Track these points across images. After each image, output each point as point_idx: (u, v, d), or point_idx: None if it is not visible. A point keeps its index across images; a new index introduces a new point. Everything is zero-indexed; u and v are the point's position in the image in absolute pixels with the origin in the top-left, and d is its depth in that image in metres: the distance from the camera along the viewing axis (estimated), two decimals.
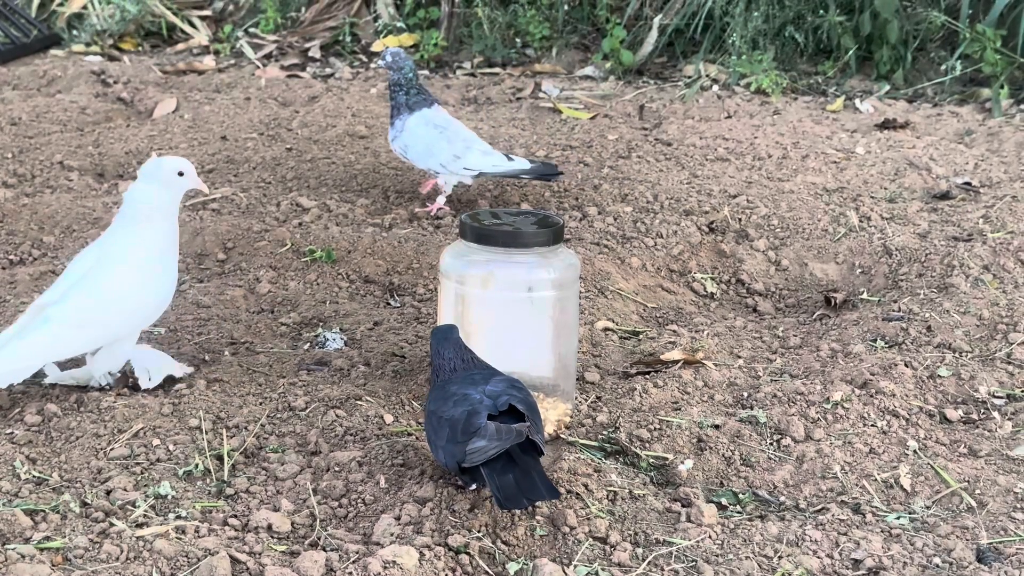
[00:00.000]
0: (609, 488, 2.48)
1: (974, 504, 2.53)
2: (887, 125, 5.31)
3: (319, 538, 2.30)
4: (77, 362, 2.85)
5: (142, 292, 2.80)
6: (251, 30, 7.08)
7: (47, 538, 2.22)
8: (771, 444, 2.71)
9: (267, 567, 2.17)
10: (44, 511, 2.30)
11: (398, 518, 2.32)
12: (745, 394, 2.93)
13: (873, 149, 4.94)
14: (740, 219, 4.05)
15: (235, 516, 2.36)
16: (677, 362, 3.04)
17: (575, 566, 2.26)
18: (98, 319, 2.75)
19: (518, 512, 2.36)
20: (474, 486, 2.38)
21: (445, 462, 2.37)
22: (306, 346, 3.15)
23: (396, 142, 4.09)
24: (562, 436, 2.71)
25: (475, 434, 2.31)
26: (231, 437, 2.61)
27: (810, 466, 2.64)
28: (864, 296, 3.65)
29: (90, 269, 2.78)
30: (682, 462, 2.63)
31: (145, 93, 5.68)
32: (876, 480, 2.60)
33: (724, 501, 2.53)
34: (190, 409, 2.70)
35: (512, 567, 2.24)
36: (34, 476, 2.43)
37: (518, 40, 6.77)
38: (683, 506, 2.47)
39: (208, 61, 6.53)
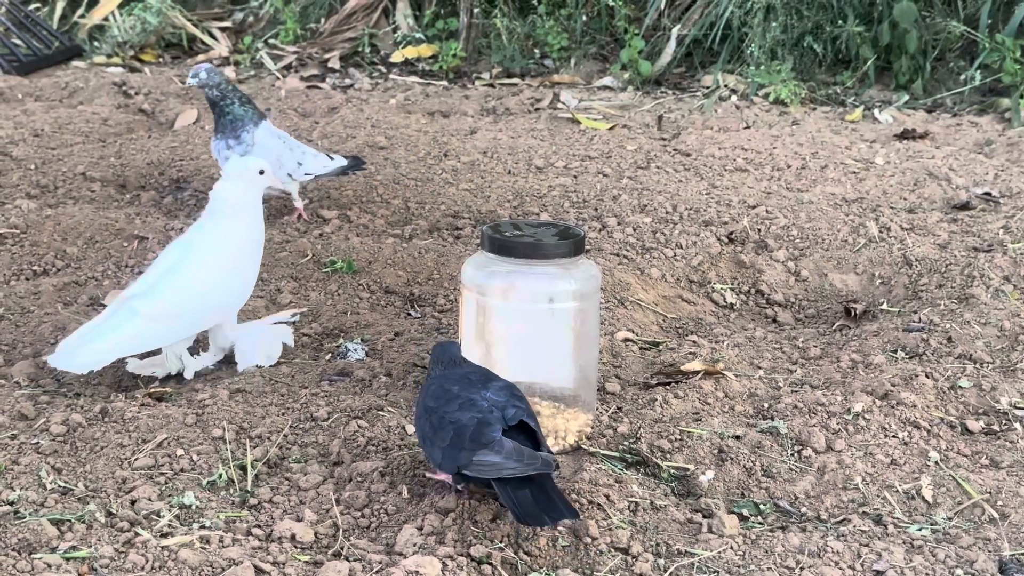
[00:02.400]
0: (630, 499, 2.49)
1: (996, 515, 2.53)
2: (906, 135, 5.31)
3: (342, 548, 2.31)
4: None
5: (229, 283, 3.01)
6: (271, 41, 7.11)
7: (73, 548, 2.23)
8: (792, 455, 2.72)
9: None
10: (70, 521, 2.31)
11: (420, 528, 2.33)
12: (766, 405, 2.93)
13: (892, 159, 4.94)
14: (759, 230, 4.05)
15: (259, 526, 2.37)
16: (697, 373, 3.04)
17: None
18: (185, 311, 2.93)
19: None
20: (461, 486, 2.40)
21: (440, 463, 2.38)
22: (328, 357, 3.16)
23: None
24: (583, 447, 2.72)
25: (486, 446, 2.31)
26: (254, 447, 2.63)
27: (831, 477, 2.64)
28: (884, 307, 3.65)
29: (177, 263, 2.95)
30: (703, 473, 2.64)
31: (166, 104, 5.72)
32: (897, 491, 2.60)
33: (745, 512, 2.53)
34: (213, 419, 2.71)
35: (539, 575, 2.25)
36: (60, 486, 2.45)
37: (537, 51, 6.79)
38: (704, 517, 2.47)
39: (228, 72, 6.56)
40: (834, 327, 3.54)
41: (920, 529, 2.48)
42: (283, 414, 2.77)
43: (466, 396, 2.41)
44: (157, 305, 2.88)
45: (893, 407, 2.86)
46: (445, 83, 6.45)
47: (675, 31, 6.51)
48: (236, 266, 3.01)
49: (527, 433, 2.38)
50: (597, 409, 2.86)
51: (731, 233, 4.01)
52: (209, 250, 2.97)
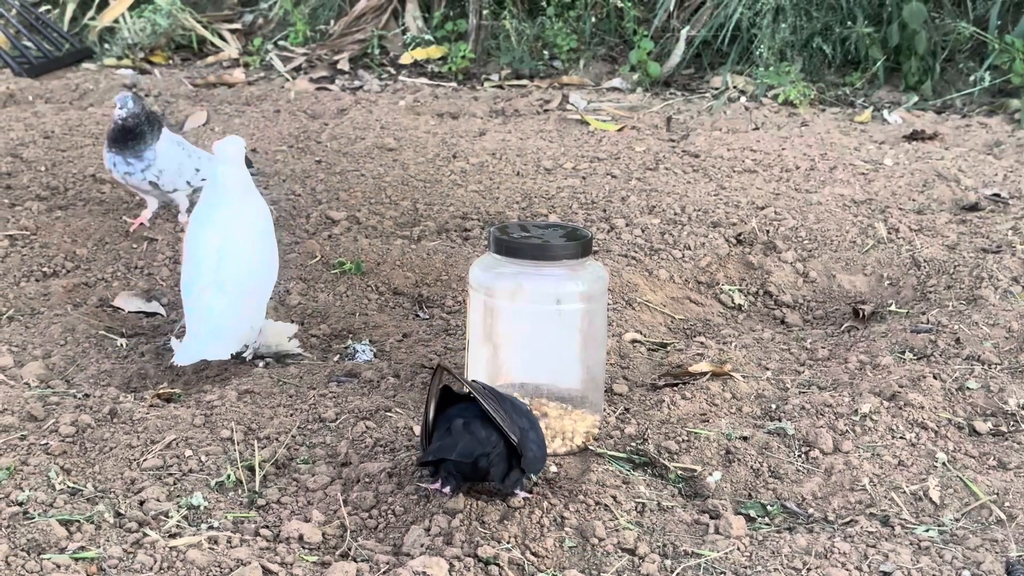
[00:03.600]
0: (637, 500, 2.49)
1: (1003, 517, 2.53)
2: (915, 136, 5.30)
3: (349, 549, 2.32)
4: None
5: (275, 255, 3.22)
6: (280, 43, 7.13)
7: (82, 548, 2.24)
8: (799, 456, 2.72)
9: None
10: (79, 521, 2.32)
11: (428, 529, 2.34)
12: (773, 406, 2.93)
13: (901, 160, 4.93)
14: (768, 231, 4.05)
15: (266, 527, 2.38)
16: (705, 374, 3.05)
17: None
18: (260, 286, 3.14)
19: (547, 523, 2.37)
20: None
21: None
22: (336, 358, 3.17)
23: (149, 171, 3.93)
24: (590, 448, 2.72)
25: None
26: (262, 448, 2.64)
27: (839, 478, 2.64)
28: (892, 308, 3.65)
29: (224, 245, 3.09)
30: (710, 474, 2.64)
31: (176, 106, 5.73)
32: (905, 492, 2.60)
33: (752, 513, 2.53)
34: (221, 420, 2.72)
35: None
36: (68, 487, 2.46)
37: (546, 52, 6.79)
38: (711, 518, 2.47)
39: (238, 74, 6.58)
40: (842, 328, 3.54)
41: (927, 530, 2.48)
42: (291, 415, 2.77)
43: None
44: (237, 287, 3.07)
45: (901, 408, 2.86)
46: (454, 84, 6.46)
47: (684, 32, 6.51)
48: (272, 237, 3.22)
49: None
50: (604, 410, 2.86)
51: (739, 234, 4.01)
52: (254, 224, 3.18)
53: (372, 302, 3.56)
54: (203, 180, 3.94)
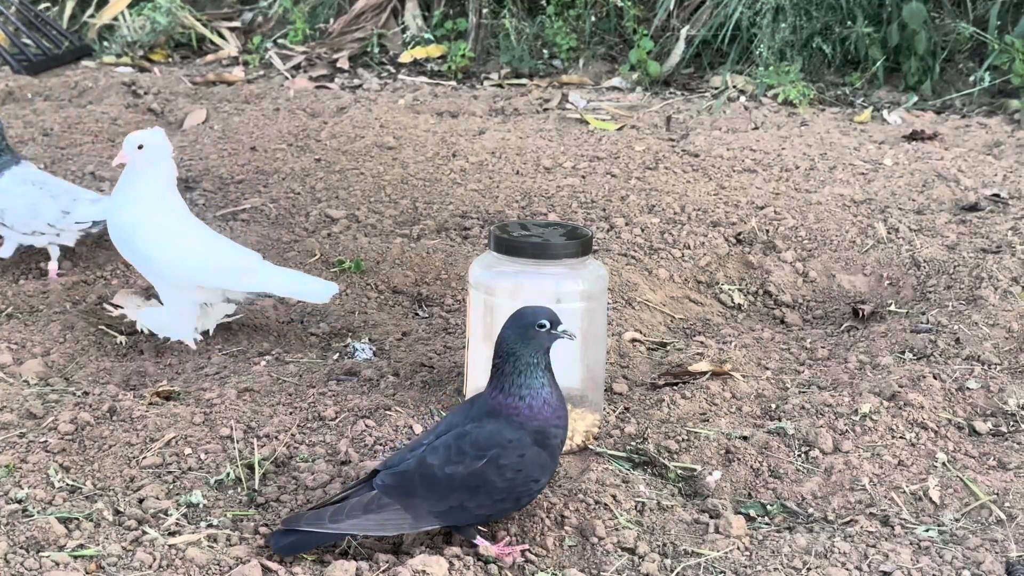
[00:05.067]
0: (637, 499, 2.49)
1: (1003, 517, 2.53)
2: (915, 136, 5.30)
3: (349, 547, 2.31)
4: None
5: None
6: (280, 41, 7.12)
7: (81, 546, 2.24)
8: (799, 456, 2.72)
9: (298, 575, 2.19)
10: (78, 519, 2.32)
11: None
12: (773, 406, 2.93)
13: (901, 160, 4.93)
14: (767, 230, 4.05)
15: (266, 525, 2.38)
16: (705, 373, 3.05)
17: None
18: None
19: (547, 522, 2.37)
20: None
21: None
22: (335, 356, 3.17)
23: None
24: (590, 447, 2.72)
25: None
26: (261, 446, 2.63)
27: (838, 478, 2.64)
28: (892, 308, 3.65)
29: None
30: (710, 473, 2.64)
31: (175, 104, 5.73)
32: (905, 492, 2.60)
33: (752, 513, 2.53)
34: (221, 418, 2.72)
35: (545, 575, 2.26)
36: (68, 484, 2.45)
37: (545, 51, 6.79)
38: (711, 517, 2.47)
39: (237, 72, 6.58)
40: (842, 328, 3.54)
41: (927, 530, 2.48)
42: (291, 413, 2.77)
43: (435, 424, 2.36)
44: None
45: (901, 408, 2.86)
46: (454, 83, 6.45)
47: (684, 32, 6.51)
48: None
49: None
50: (604, 409, 2.86)
51: (739, 234, 4.01)
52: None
53: (371, 300, 3.56)
54: (76, 223, 3.61)
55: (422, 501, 2.21)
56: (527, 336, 2.31)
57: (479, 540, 2.27)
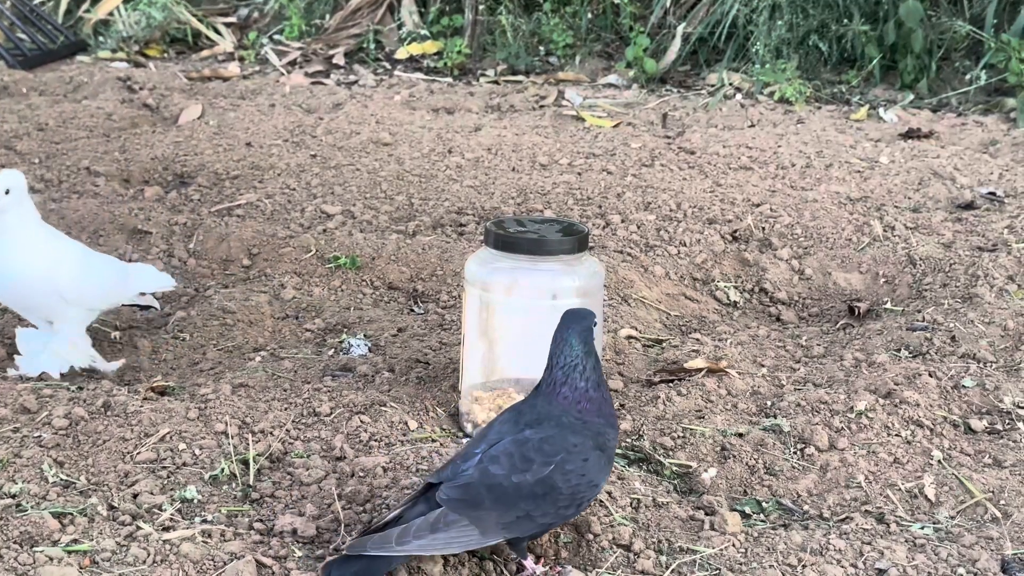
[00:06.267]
0: (633, 496, 2.48)
1: (999, 515, 2.53)
2: (911, 134, 5.30)
3: (344, 543, 2.31)
4: None
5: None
6: (276, 37, 7.11)
7: (75, 541, 2.23)
8: (795, 453, 2.71)
9: (292, 571, 2.19)
10: (72, 514, 2.31)
11: None
12: (769, 403, 2.93)
13: (897, 158, 4.93)
14: (763, 228, 4.05)
15: (260, 520, 2.37)
16: (700, 370, 3.04)
17: (599, 573, 2.26)
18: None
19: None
20: None
21: None
22: (331, 352, 3.16)
23: None
24: None
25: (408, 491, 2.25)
26: (256, 442, 2.63)
27: (834, 475, 2.64)
28: (888, 306, 3.65)
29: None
30: (706, 470, 2.63)
31: (171, 99, 5.72)
32: (900, 490, 2.60)
33: (748, 509, 2.53)
34: (216, 414, 2.71)
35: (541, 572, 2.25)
36: (62, 479, 2.45)
37: (541, 48, 6.79)
38: (707, 514, 2.47)
39: (233, 68, 6.57)
40: (838, 326, 3.54)
41: (923, 528, 2.48)
42: (286, 409, 2.77)
43: (483, 434, 2.24)
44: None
45: (896, 406, 2.86)
46: (450, 80, 6.45)
47: (680, 29, 6.50)
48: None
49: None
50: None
51: (735, 231, 4.01)
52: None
53: (367, 297, 3.56)
54: None
55: (489, 513, 2.12)
56: (589, 336, 2.26)
57: (528, 562, 2.21)
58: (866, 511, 2.52)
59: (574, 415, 2.22)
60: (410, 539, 2.07)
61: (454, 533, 2.09)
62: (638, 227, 4.03)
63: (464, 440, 2.73)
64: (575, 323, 2.26)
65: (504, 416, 2.28)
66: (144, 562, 2.19)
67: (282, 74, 6.49)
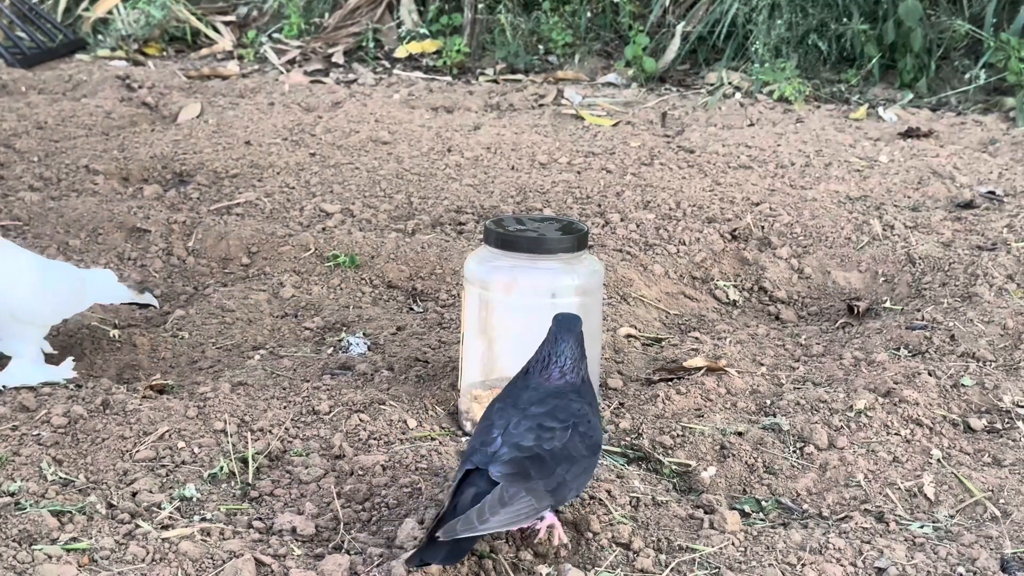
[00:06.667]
0: (632, 494, 2.48)
1: (998, 513, 2.53)
2: (910, 134, 5.30)
3: (343, 541, 2.31)
4: None
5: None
6: (275, 36, 7.11)
7: (73, 539, 2.23)
8: (794, 452, 2.71)
9: (291, 570, 2.18)
10: (71, 512, 2.31)
11: (421, 522, 2.33)
12: (768, 402, 2.93)
13: (896, 158, 4.93)
14: (763, 227, 4.05)
15: (259, 519, 2.37)
16: (700, 369, 3.04)
17: (598, 572, 2.26)
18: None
19: (542, 517, 2.36)
20: None
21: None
22: (330, 350, 3.16)
23: None
24: None
25: (449, 484, 2.24)
26: (255, 440, 2.63)
27: (833, 474, 2.63)
28: (887, 305, 3.65)
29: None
30: (705, 469, 2.63)
31: (170, 98, 5.71)
32: (900, 489, 2.60)
33: (747, 508, 2.53)
34: (215, 412, 2.71)
35: (541, 569, 2.24)
36: (61, 478, 2.45)
37: (541, 47, 6.79)
38: (706, 513, 2.47)
39: (232, 66, 6.56)
40: (837, 325, 3.54)
41: (922, 527, 2.47)
42: (285, 407, 2.76)
43: (492, 420, 2.30)
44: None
45: (896, 405, 2.86)
46: (449, 79, 6.45)
47: (679, 28, 6.50)
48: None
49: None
50: (600, 404, 2.86)
51: (734, 230, 4.01)
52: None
53: (366, 295, 3.55)
54: None
55: (537, 482, 2.22)
56: (582, 340, 2.40)
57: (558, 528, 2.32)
58: (865, 510, 2.52)
59: (575, 389, 2.35)
60: (488, 517, 2.16)
61: (518, 506, 2.19)
62: (637, 226, 4.03)
63: (464, 439, 2.73)
64: (573, 324, 2.37)
65: (497, 405, 2.35)
66: (143, 560, 2.19)
67: (281, 73, 6.49)
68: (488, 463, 2.21)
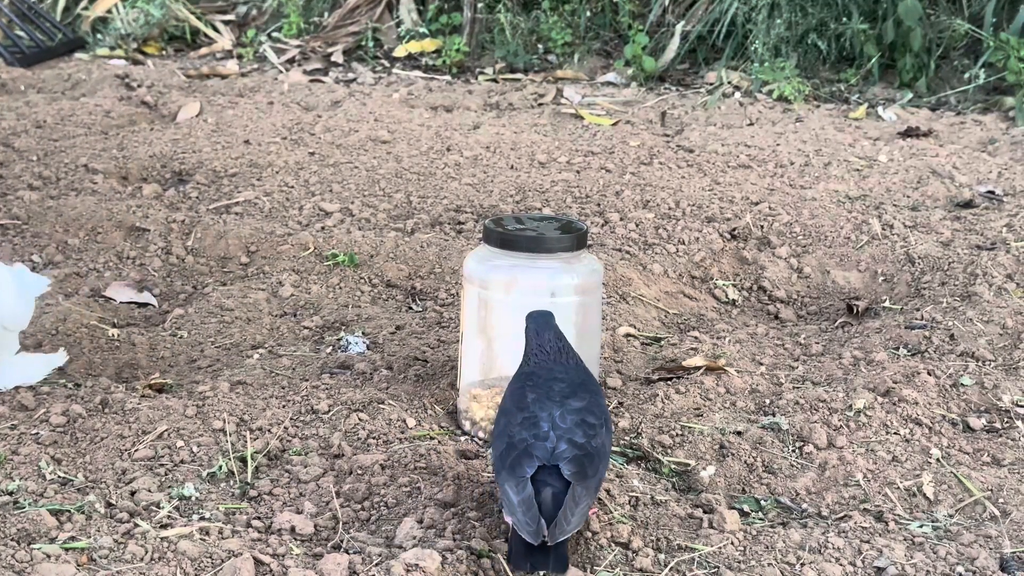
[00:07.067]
0: (631, 493, 2.48)
1: (997, 513, 2.53)
2: (910, 133, 5.30)
3: (342, 540, 2.31)
4: None
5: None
6: (274, 35, 7.11)
7: (72, 538, 2.23)
8: (793, 451, 2.71)
9: (290, 569, 2.18)
10: (69, 511, 2.31)
11: (420, 521, 2.33)
12: (767, 401, 2.92)
13: (896, 157, 4.93)
14: (762, 226, 4.05)
15: (258, 518, 2.37)
16: (699, 368, 3.04)
17: (597, 571, 2.26)
18: None
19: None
20: (498, 508, 2.36)
21: (493, 465, 2.34)
22: (329, 350, 3.16)
23: None
24: None
25: (516, 479, 2.21)
26: (254, 439, 2.62)
27: (832, 473, 2.63)
28: (886, 304, 3.65)
29: None
30: (704, 468, 2.63)
31: (169, 97, 5.71)
32: (899, 488, 2.60)
33: (746, 508, 2.53)
34: (214, 411, 2.71)
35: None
36: (59, 476, 2.44)
37: (540, 46, 6.78)
38: (705, 512, 2.47)
39: (231, 65, 6.56)
40: (836, 324, 3.54)
41: (921, 526, 2.47)
42: (284, 406, 2.76)
43: (534, 412, 2.30)
44: None
45: (895, 404, 2.86)
46: (448, 78, 6.44)
47: (679, 27, 6.50)
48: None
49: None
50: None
51: (734, 229, 4.01)
52: None
53: (365, 294, 3.55)
54: None
55: (592, 480, 2.25)
56: (556, 327, 2.48)
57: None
58: (865, 509, 2.52)
59: (589, 381, 2.40)
60: (570, 518, 2.19)
61: (582, 505, 2.21)
62: (637, 225, 4.02)
63: (463, 437, 2.73)
64: (547, 323, 2.45)
65: (531, 395, 2.33)
66: (142, 559, 2.19)
67: (280, 72, 6.48)
68: (550, 459, 2.23)
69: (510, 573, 2.23)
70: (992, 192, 4.50)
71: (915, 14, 5.91)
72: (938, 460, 2.70)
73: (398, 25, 7.01)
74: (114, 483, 2.44)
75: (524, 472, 2.21)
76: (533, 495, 2.19)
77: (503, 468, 2.24)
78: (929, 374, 3.00)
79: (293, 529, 2.33)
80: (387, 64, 6.71)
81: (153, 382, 2.89)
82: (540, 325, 2.45)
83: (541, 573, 2.17)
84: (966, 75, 6.04)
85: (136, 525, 2.28)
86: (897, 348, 3.22)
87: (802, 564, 2.30)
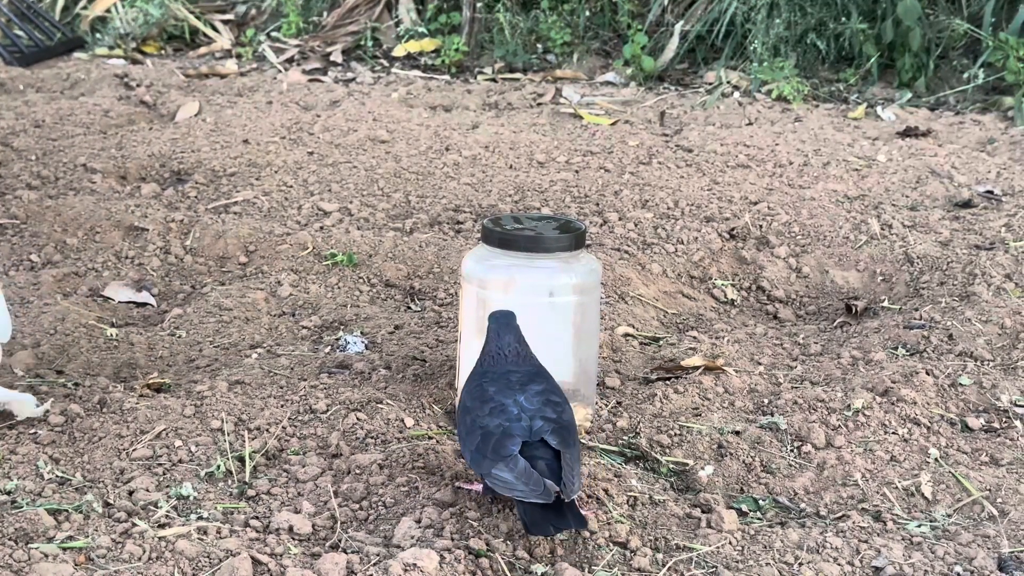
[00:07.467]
0: (629, 493, 2.48)
1: (995, 513, 2.53)
2: (909, 133, 5.30)
3: (340, 540, 2.31)
4: None
5: None
6: (273, 34, 7.11)
7: (70, 537, 2.23)
8: (792, 451, 2.71)
9: (288, 568, 2.18)
10: (67, 511, 2.31)
11: (419, 521, 2.33)
12: (766, 401, 2.92)
13: (895, 157, 4.93)
14: (761, 226, 4.05)
15: (256, 517, 2.37)
16: (697, 368, 3.04)
17: (595, 571, 2.26)
18: None
19: None
20: (489, 497, 2.37)
21: (470, 464, 2.36)
22: (327, 349, 3.16)
23: None
24: (582, 441, 2.71)
25: (504, 460, 2.26)
26: (252, 439, 2.62)
27: (831, 473, 2.63)
28: (885, 304, 3.65)
29: None
30: (702, 468, 2.63)
31: (168, 96, 5.71)
32: (897, 488, 2.59)
33: (744, 507, 2.53)
34: (212, 411, 2.71)
35: (538, 568, 2.24)
36: (57, 476, 2.44)
37: (539, 46, 6.79)
38: (703, 512, 2.46)
39: (230, 65, 6.56)
40: (835, 324, 3.54)
41: (919, 526, 2.47)
42: (282, 406, 2.76)
43: (499, 401, 2.36)
44: None
45: (893, 404, 2.86)
46: (447, 77, 6.44)
47: (678, 27, 6.50)
48: None
49: (555, 454, 2.31)
50: (597, 403, 2.86)
51: (732, 229, 4.01)
52: None
53: (364, 294, 3.55)
54: None
55: (575, 448, 2.32)
56: (517, 327, 2.53)
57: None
58: (863, 509, 2.52)
59: (543, 372, 2.49)
60: (574, 478, 2.28)
61: (578, 468, 2.30)
62: (635, 225, 4.02)
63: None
64: (508, 324, 2.50)
65: (491, 388, 2.40)
66: (140, 559, 2.19)
67: (279, 71, 6.48)
68: (530, 436, 2.29)
69: (507, 572, 2.23)
70: (991, 192, 4.50)
71: (914, 14, 5.91)
72: (936, 460, 2.70)
73: (397, 25, 7.01)
74: (112, 483, 2.44)
75: (510, 451, 2.26)
76: (528, 465, 2.25)
77: (486, 456, 2.28)
78: (928, 374, 3.00)
79: (291, 528, 2.32)
80: (386, 64, 6.72)
81: (151, 382, 2.89)
82: (502, 327, 2.49)
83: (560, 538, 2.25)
84: (965, 75, 6.04)
85: (134, 525, 2.28)
86: (896, 348, 3.22)
87: (800, 564, 2.30)
